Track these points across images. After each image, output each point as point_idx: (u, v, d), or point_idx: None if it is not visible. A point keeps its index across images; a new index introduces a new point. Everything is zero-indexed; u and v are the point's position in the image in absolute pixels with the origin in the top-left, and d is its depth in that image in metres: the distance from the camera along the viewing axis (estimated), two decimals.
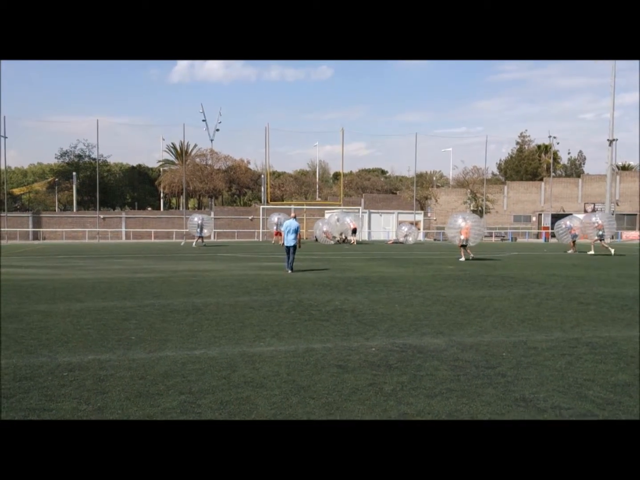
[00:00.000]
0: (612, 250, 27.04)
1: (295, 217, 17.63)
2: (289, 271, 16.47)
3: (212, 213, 55.68)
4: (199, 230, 34.89)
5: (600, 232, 28.06)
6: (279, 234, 38.62)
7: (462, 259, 22.20)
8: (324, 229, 37.98)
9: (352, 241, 39.09)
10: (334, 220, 39.73)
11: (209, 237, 39.10)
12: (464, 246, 22.40)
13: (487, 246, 37.74)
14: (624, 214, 58.98)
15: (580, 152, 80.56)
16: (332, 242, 38.01)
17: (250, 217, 55.46)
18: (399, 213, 53.87)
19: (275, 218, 40.01)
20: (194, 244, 35.40)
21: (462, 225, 22.54)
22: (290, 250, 16.69)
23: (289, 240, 16.64)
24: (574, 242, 29.49)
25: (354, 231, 39.31)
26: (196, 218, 35.87)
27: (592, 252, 27.51)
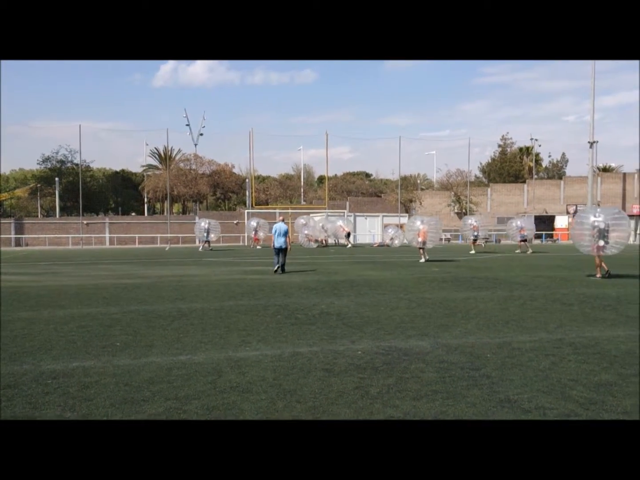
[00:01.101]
0: (473, 251, 30.42)
1: (283, 220, 18.57)
2: (279, 272, 17.25)
3: (197, 218, 55.44)
4: (205, 234, 35.45)
5: (475, 233, 31.66)
6: (257, 239, 38.91)
7: (422, 260, 22.93)
8: (305, 232, 38.00)
9: (349, 244, 39.38)
10: (319, 227, 39.78)
11: (215, 241, 39.27)
12: (422, 248, 23.17)
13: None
14: None
15: (563, 154, 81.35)
16: (315, 245, 38.04)
17: (235, 222, 55.25)
18: (384, 216, 54.01)
19: (253, 222, 39.92)
20: (200, 248, 35.72)
21: (419, 228, 23.22)
22: (281, 253, 17.48)
23: (279, 242, 17.45)
24: (523, 241, 31.90)
25: (348, 235, 39.66)
26: (203, 223, 36.30)
27: (472, 251, 30.57)
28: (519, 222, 32.58)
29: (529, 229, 32.49)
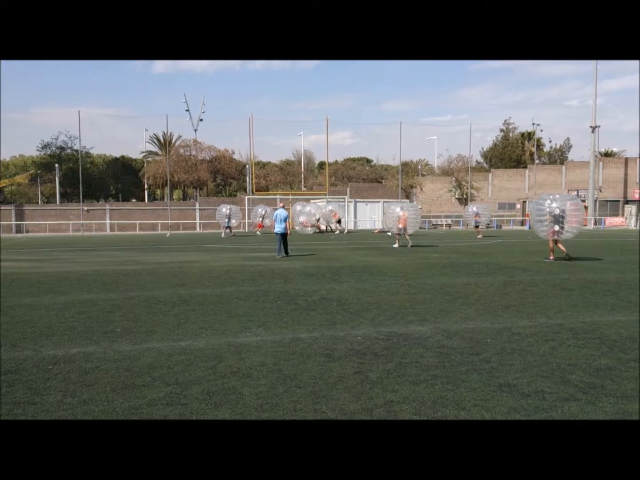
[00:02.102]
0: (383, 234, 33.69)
1: (283, 207, 19.45)
2: (284, 255, 18.28)
3: (197, 204, 55.39)
4: (226, 220, 35.89)
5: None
6: (262, 225, 39.01)
7: (397, 245, 23.59)
8: (301, 219, 37.89)
9: (338, 230, 39.33)
10: (306, 211, 39.63)
11: (237, 226, 39.50)
12: (400, 234, 23.91)
13: (472, 233, 37.95)
14: (607, 200, 59.54)
15: (568, 139, 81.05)
16: (311, 231, 37.99)
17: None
18: (384, 202, 53.95)
19: (261, 210, 39.86)
20: (222, 234, 36.23)
21: (399, 215, 23.78)
22: (282, 237, 18.33)
23: (280, 228, 18.26)
24: (477, 226, 33.85)
25: (339, 221, 39.61)
26: (224, 209, 36.67)
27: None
28: (474, 209, 34.19)
29: (484, 215, 34.21)
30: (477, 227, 33.75)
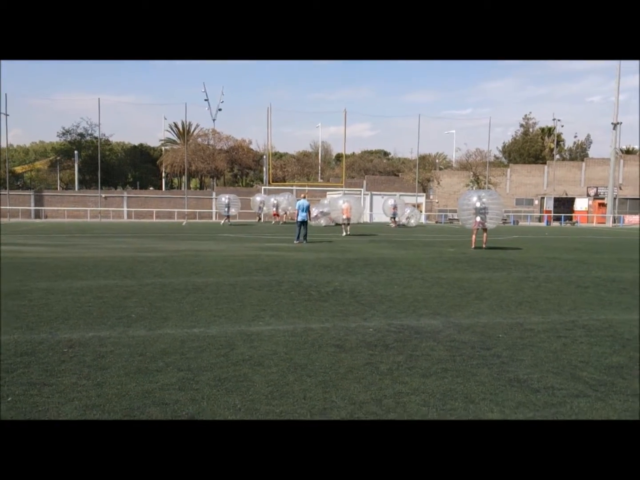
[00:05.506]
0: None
1: (304, 197, 21.67)
2: (303, 242, 20.20)
3: (214, 193, 55.59)
4: (226, 209, 36.56)
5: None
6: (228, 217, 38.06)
7: (344, 234, 25.92)
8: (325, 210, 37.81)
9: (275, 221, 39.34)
10: (272, 202, 39.59)
11: (235, 216, 39.93)
12: (346, 224, 26.54)
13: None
14: (627, 198, 58.82)
15: (588, 135, 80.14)
16: (332, 224, 37.91)
17: (251, 198, 55.35)
18: (401, 195, 53.80)
19: (224, 199, 38.23)
20: (222, 222, 37.35)
21: (342, 207, 26.80)
22: (302, 225, 20.60)
23: (302, 216, 20.67)
24: (393, 218, 37.43)
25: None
26: (223, 198, 37.30)
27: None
28: (392, 202, 37.17)
29: (400, 208, 37.36)
30: (393, 218, 37.08)
